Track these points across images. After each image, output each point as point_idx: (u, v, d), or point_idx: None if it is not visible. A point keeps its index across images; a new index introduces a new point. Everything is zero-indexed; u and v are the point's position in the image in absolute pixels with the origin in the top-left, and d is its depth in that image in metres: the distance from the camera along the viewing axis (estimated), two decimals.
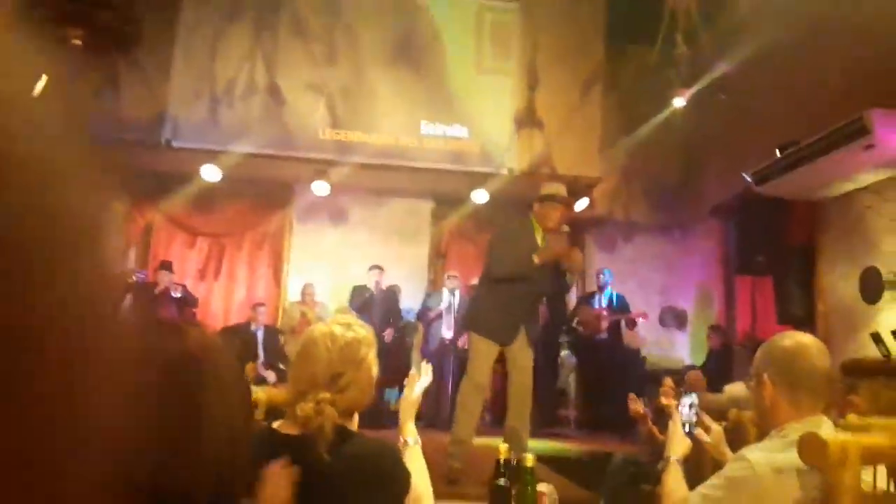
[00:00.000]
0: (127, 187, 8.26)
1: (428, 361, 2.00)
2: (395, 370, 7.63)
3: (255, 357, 7.07)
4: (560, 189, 4.30)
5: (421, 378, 1.93)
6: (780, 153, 5.83)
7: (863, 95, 5.11)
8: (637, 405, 4.03)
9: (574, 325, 7.38)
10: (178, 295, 7.22)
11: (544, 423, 7.09)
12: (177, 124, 7.47)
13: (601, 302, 7.56)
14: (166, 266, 7.48)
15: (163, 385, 0.66)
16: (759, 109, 6.84)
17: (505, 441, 3.95)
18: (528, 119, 8.03)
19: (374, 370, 1.65)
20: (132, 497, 0.61)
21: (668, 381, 4.21)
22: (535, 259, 4.02)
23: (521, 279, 4.04)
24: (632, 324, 7.72)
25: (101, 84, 7.30)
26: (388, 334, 7.20)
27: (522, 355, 4.17)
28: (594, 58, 8.15)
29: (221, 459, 0.68)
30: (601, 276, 7.75)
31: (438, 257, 8.89)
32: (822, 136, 5.27)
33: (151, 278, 7.52)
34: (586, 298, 7.80)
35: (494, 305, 4.19)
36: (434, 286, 8.56)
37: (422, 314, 7.58)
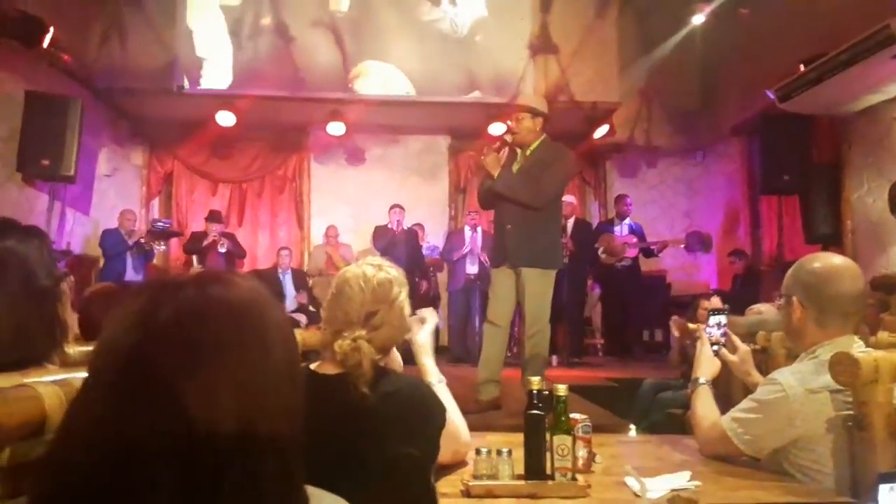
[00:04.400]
0: (144, 136, 8.29)
1: (433, 308, 2.01)
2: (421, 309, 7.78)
3: (282, 300, 7.18)
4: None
5: (427, 322, 1.95)
6: (804, 67, 5.66)
7: (888, 3, 4.91)
8: (679, 324, 4.05)
9: (599, 253, 7.32)
10: (224, 251, 7.29)
11: (573, 352, 7.18)
12: (187, 70, 7.40)
13: (623, 230, 7.48)
14: (215, 217, 7.53)
15: (230, 333, 0.67)
16: (782, 23, 6.60)
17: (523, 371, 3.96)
18: (542, 44, 7.83)
19: (407, 309, 1.67)
20: (213, 442, 0.62)
21: (705, 304, 4.22)
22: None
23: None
24: (660, 250, 7.67)
25: (109, 31, 7.23)
26: (424, 286, 7.39)
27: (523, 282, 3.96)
28: None
29: (287, 402, 0.70)
30: (623, 203, 7.61)
31: (458, 193, 8.86)
32: (847, 47, 5.10)
33: (175, 227, 7.60)
34: (606, 226, 7.69)
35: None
36: (456, 223, 8.56)
37: (445, 253, 7.61)
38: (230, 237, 7.56)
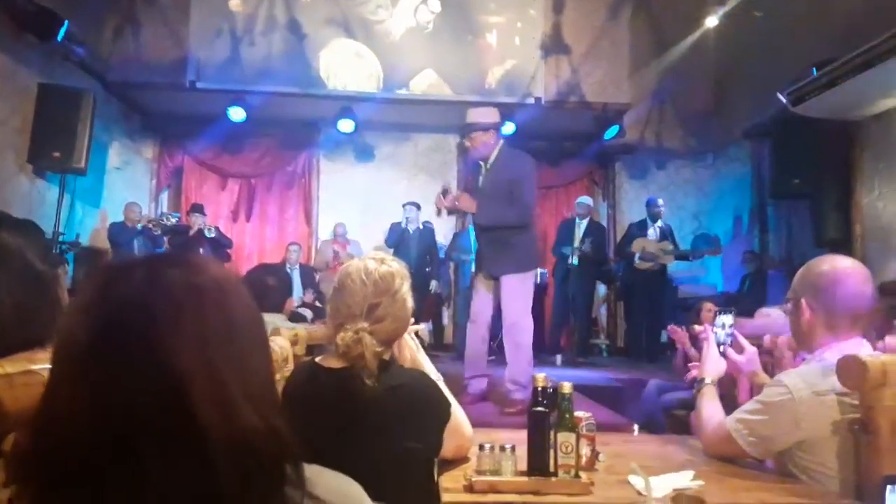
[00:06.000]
0: (155, 130, 8.33)
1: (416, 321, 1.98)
2: (430, 305, 7.81)
3: (290, 294, 7.19)
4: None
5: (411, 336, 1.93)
6: (818, 71, 5.62)
7: None
8: (679, 334, 4.08)
9: (637, 259, 7.16)
10: (212, 236, 7.34)
11: (579, 352, 7.17)
12: (200, 65, 7.43)
13: (656, 233, 7.35)
14: (198, 209, 7.58)
15: (187, 300, 0.68)
16: (795, 26, 6.57)
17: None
18: (554, 45, 7.82)
19: (410, 302, 1.67)
20: (187, 407, 0.64)
21: (708, 305, 4.23)
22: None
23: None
24: (696, 258, 7.54)
25: (122, 26, 7.27)
26: (434, 285, 7.46)
27: None
28: None
29: (258, 362, 0.72)
30: (654, 205, 7.45)
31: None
32: (862, 51, 5.07)
33: (184, 221, 7.62)
34: (639, 228, 7.50)
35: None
36: (463, 222, 8.55)
37: (451, 252, 7.62)
38: (214, 229, 7.57)
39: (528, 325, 4.06)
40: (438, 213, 4.34)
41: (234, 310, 0.71)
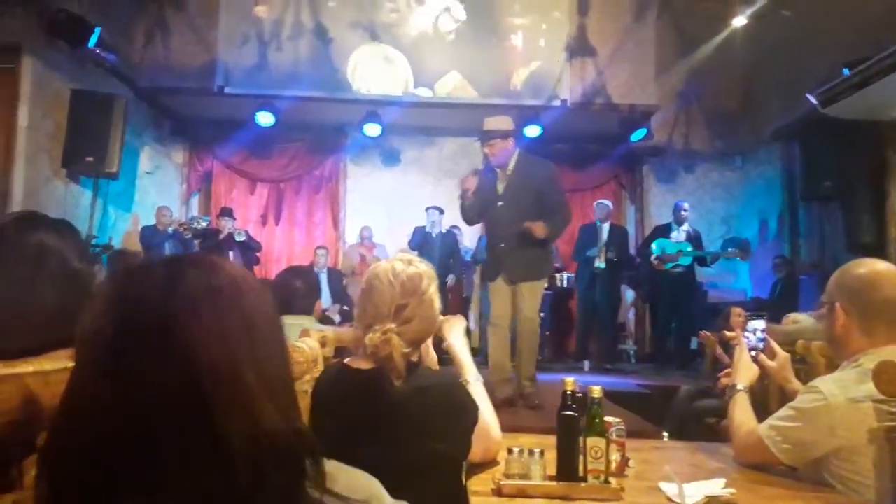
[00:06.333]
0: (185, 134, 8.45)
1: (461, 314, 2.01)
2: (457, 309, 7.80)
3: (319, 297, 7.22)
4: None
5: (456, 324, 1.96)
6: (848, 71, 5.53)
7: None
8: (709, 340, 4.04)
9: (653, 259, 7.03)
10: (242, 239, 7.42)
11: (606, 358, 7.10)
12: (228, 70, 7.53)
13: (679, 235, 7.21)
14: (227, 212, 7.67)
15: (204, 301, 0.68)
16: (824, 25, 6.45)
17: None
18: (579, 46, 7.79)
19: (437, 303, 1.67)
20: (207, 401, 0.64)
21: (738, 310, 4.18)
22: None
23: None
24: (713, 261, 7.38)
25: (152, 32, 7.40)
26: (451, 279, 7.36)
27: None
28: None
29: (284, 393, 0.72)
30: (679, 210, 7.30)
31: None
32: (893, 50, 4.97)
33: (214, 225, 7.71)
34: (663, 230, 7.36)
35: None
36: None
37: (478, 255, 7.62)
38: (245, 232, 7.68)
39: (539, 328, 4.34)
40: (462, 195, 4.31)
41: (252, 310, 0.71)
